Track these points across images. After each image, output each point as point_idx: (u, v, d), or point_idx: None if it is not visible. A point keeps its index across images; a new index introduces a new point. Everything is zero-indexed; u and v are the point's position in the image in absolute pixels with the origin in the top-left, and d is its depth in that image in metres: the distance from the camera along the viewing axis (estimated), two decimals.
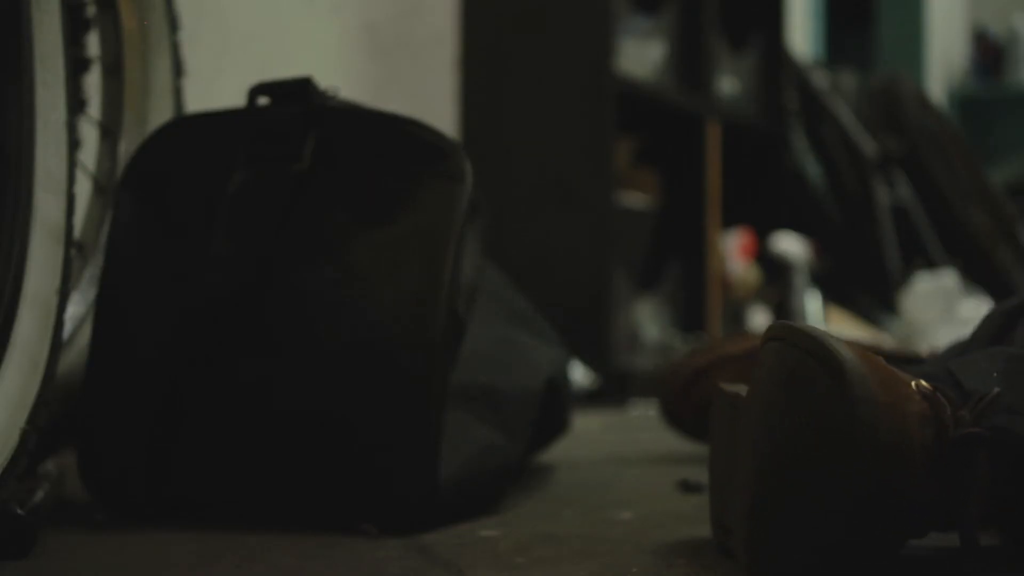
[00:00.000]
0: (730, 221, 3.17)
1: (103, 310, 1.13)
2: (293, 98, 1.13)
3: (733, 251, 3.19)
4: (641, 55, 2.80)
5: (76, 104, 1.06)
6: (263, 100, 1.15)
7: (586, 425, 1.96)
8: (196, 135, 1.16)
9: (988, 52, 5.90)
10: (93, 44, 1.31)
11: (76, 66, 1.21)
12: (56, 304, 0.97)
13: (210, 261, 1.09)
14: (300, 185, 1.11)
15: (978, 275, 3.55)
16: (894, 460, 0.77)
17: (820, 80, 3.72)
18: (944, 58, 5.72)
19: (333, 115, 1.13)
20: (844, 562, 0.80)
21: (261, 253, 1.09)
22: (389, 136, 1.12)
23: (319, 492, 1.06)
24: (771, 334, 0.84)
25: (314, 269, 1.09)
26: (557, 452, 1.50)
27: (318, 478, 1.06)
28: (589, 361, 2.42)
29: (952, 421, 0.80)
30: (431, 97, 2.59)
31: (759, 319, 3.14)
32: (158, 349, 1.09)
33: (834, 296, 3.43)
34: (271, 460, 1.07)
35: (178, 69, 1.35)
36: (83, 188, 1.22)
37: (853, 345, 0.81)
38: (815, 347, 0.80)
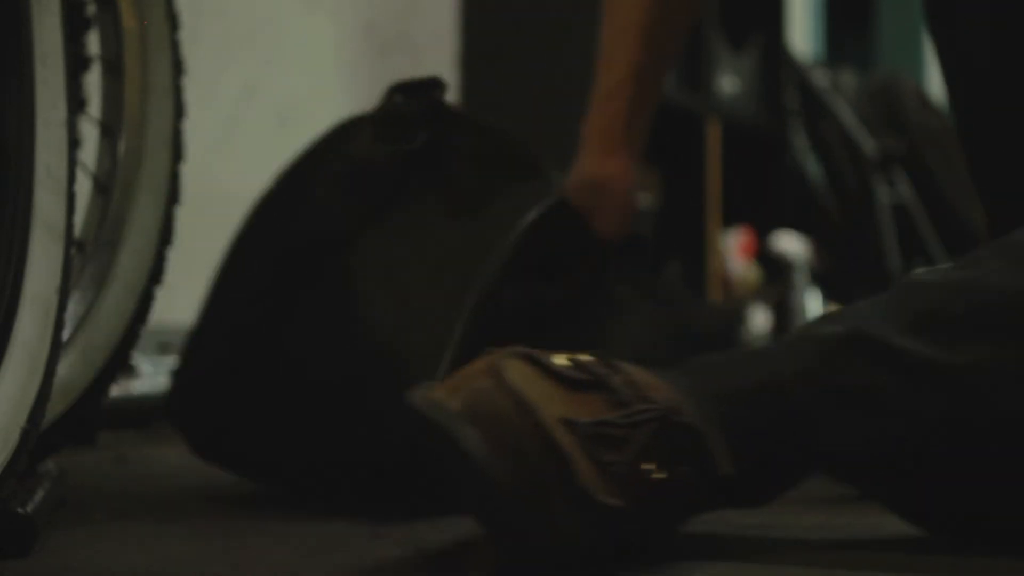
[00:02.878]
0: (730, 220, 3.17)
1: (233, 246, 1.27)
2: (417, 94, 1.26)
3: (733, 250, 3.19)
4: None
5: (76, 103, 1.06)
6: (397, 96, 1.27)
7: None
8: (353, 121, 1.30)
9: None
10: (93, 42, 1.31)
11: (76, 64, 1.21)
12: (56, 304, 0.97)
13: (316, 209, 1.24)
14: (405, 168, 1.22)
15: None
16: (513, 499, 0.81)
17: (820, 79, 3.71)
18: None
19: (447, 114, 1.24)
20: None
21: (358, 213, 1.21)
22: (490, 143, 1.23)
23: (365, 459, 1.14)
24: None
25: (394, 245, 1.20)
26: None
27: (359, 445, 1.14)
28: None
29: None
30: None
31: (759, 318, 3.14)
32: (257, 283, 1.23)
33: (834, 295, 3.43)
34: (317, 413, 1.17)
35: (178, 68, 1.35)
36: (83, 187, 1.22)
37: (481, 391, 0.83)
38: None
